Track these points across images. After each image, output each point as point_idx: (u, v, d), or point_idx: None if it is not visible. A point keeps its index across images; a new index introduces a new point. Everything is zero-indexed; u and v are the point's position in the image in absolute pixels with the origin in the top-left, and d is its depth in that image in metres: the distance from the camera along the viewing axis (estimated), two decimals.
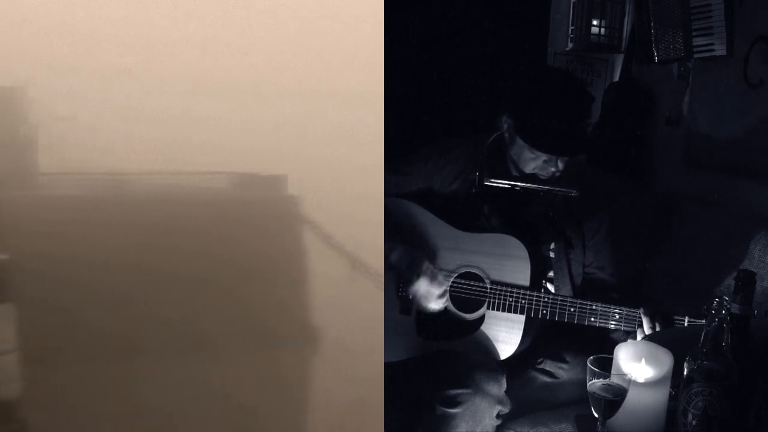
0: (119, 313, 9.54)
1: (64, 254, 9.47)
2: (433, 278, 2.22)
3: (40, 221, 9.73)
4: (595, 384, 1.64)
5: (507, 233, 2.21)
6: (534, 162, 2.19)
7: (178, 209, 10.68)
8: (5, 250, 6.72)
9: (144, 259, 9.85)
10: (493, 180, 2.23)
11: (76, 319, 9.24)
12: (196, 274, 10.01)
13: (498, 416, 2.10)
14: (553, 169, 2.19)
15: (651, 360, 1.71)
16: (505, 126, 2.24)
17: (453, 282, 2.24)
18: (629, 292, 2.36)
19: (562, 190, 2.21)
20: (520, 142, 2.19)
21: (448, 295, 2.25)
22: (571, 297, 2.19)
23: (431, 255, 2.26)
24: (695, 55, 2.71)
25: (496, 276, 2.21)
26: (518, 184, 2.21)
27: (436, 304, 2.24)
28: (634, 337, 2.08)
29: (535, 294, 2.18)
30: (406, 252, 2.25)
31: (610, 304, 2.14)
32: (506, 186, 2.22)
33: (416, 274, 2.22)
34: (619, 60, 3.22)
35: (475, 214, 2.29)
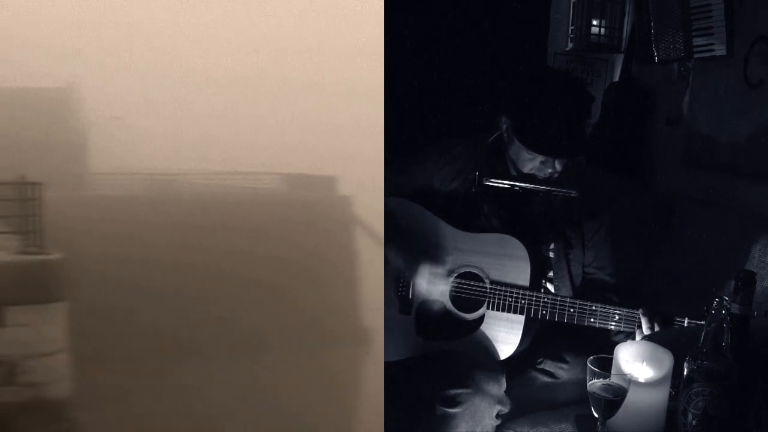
0: (171, 313, 9.56)
1: (115, 254, 9.50)
2: (436, 260, 2.22)
3: (91, 221, 9.77)
4: (595, 384, 1.64)
5: (507, 233, 2.21)
6: (531, 163, 2.19)
7: (231, 209, 10.73)
8: (59, 250, 6.71)
9: (195, 259, 9.88)
10: (492, 180, 2.22)
11: (128, 319, 9.26)
12: (248, 274, 10.03)
13: (498, 416, 2.10)
14: (550, 170, 2.19)
15: (651, 360, 1.71)
16: (504, 126, 2.24)
17: (453, 282, 2.24)
18: (628, 293, 2.36)
19: (562, 190, 2.21)
20: (517, 142, 2.19)
21: (447, 298, 2.24)
22: (571, 297, 2.19)
23: (431, 255, 2.26)
24: (695, 55, 2.71)
25: (496, 276, 2.21)
26: (517, 184, 2.21)
27: (443, 285, 2.23)
28: (634, 338, 2.08)
29: (535, 294, 2.18)
30: (405, 249, 2.25)
31: (609, 305, 2.14)
32: (506, 186, 2.22)
33: (417, 266, 2.21)
34: (619, 60, 3.21)
35: (475, 213, 2.28)
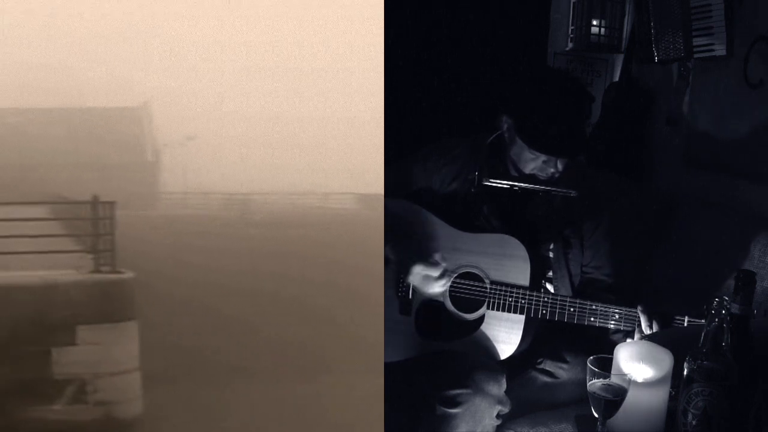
0: (236, 335, 9.54)
1: (184, 274, 9.50)
2: (429, 261, 2.21)
3: (163, 240, 9.76)
4: (595, 384, 1.64)
5: (506, 233, 2.21)
6: (533, 162, 2.19)
7: (301, 230, 10.72)
8: (131, 269, 6.74)
9: (264, 279, 9.86)
10: (492, 180, 2.22)
11: (193, 339, 9.25)
12: (314, 297, 10.00)
13: (498, 416, 2.10)
14: (552, 170, 2.19)
15: (651, 360, 1.71)
16: (505, 126, 2.24)
17: (453, 282, 2.24)
18: (628, 292, 2.36)
19: (562, 190, 2.21)
20: (519, 142, 2.19)
21: (448, 283, 2.23)
22: (571, 297, 2.19)
23: (431, 255, 2.25)
24: (695, 55, 2.71)
25: (496, 276, 2.21)
26: (517, 184, 2.21)
27: (437, 287, 2.23)
28: (633, 337, 2.08)
29: (535, 294, 2.18)
30: (404, 249, 2.25)
31: (609, 304, 2.14)
32: (505, 186, 2.22)
33: (411, 260, 2.21)
34: (619, 60, 3.22)
35: (475, 214, 2.28)
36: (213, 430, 7.78)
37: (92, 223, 6.94)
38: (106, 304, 6.28)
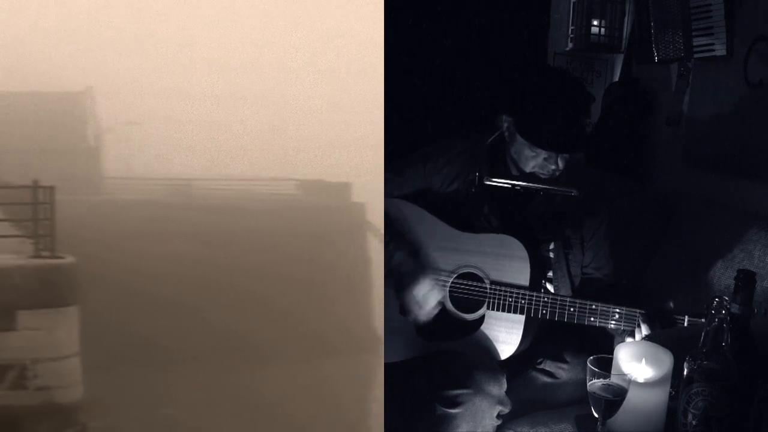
0: (178, 321, 9.52)
1: (126, 260, 9.45)
2: (429, 289, 2.21)
3: (104, 225, 9.72)
4: (595, 384, 1.64)
5: (506, 233, 2.21)
6: (534, 160, 2.19)
7: (243, 215, 10.69)
8: (71, 254, 6.71)
9: (207, 266, 9.82)
10: (493, 179, 2.22)
11: (136, 324, 9.22)
12: (256, 285, 9.97)
13: (498, 416, 2.10)
14: (553, 167, 2.19)
15: (651, 360, 1.71)
16: (505, 125, 2.24)
17: (453, 282, 2.24)
18: (628, 292, 2.36)
19: (562, 189, 2.21)
20: (520, 140, 2.19)
21: (446, 299, 2.24)
22: (571, 297, 2.19)
23: (431, 256, 2.26)
24: (695, 55, 2.71)
25: (496, 276, 2.21)
26: (518, 183, 2.21)
27: (427, 316, 2.23)
28: (634, 337, 2.08)
29: (535, 294, 2.18)
30: (405, 250, 2.24)
31: (609, 304, 2.14)
32: (506, 185, 2.22)
33: (413, 283, 2.21)
34: (619, 60, 3.22)
35: (475, 214, 2.28)
36: (153, 415, 7.79)
37: (32, 207, 6.93)
38: (47, 290, 6.28)
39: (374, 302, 11.42)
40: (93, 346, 6.90)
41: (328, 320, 10.30)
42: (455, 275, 2.24)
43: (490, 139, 2.31)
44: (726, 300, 1.55)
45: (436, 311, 2.22)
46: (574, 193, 2.20)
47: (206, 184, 11.88)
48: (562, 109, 2.14)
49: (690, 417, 1.57)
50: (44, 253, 6.69)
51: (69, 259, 6.62)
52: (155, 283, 9.42)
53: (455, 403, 2.05)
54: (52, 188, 7.11)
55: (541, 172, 2.20)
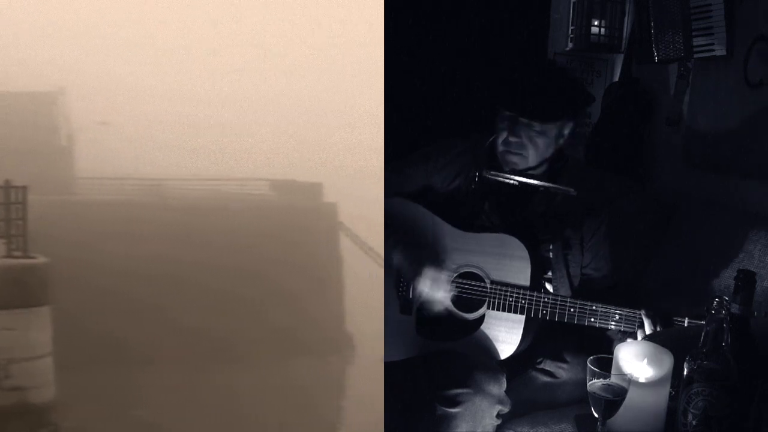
0: (150, 321, 9.51)
1: (98, 260, 9.43)
2: (437, 270, 2.21)
3: (76, 225, 9.70)
4: (595, 384, 1.64)
5: (507, 233, 2.21)
6: (501, 135, 2.20)
7: (213, 215, 10.69)
8: (44, 254, 6.70)
9: (180, 266, 9.82)
10: (493, 173, 2.22)
11: (110, 324, 9.21)
12: (228, 282, 9.98)
13: (498, 416, 2.11)
14: (517, 151, 2.19)
15: (651, 360, 1.71)
16: (505, 122, 2.24)
17: (453, 282, 2.24)
18: (628, 293, 2.36)
19: (560, 188, 2.21)
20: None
21: (447, 298, 2.24)
22: (571, 297, 2.19)
23: (432, 255, 2.26)
24: (695, 55, 2.71)
25: (497, 276, 2.21)
26: (518, 178, 2.21)
27: (442, 294, 2.23)
28: (634, 338, 2.08)
29: (535, 294, 2.18)
30: (406, 249, 2.25)
31: (609, 305, 2.14)
32: (506, 180, 2.22)
33: (420, 268, 2.21)
34: (619, 60, 3.22)
35: (476, 212, 2.28)
36: (125, 416, 7.80)
37: (4, 207, 6.91)
38: (19, 290, 6.27)
39: (346, 302, 11.46)
40: (66, 346, 6.91)
41: (300, 320, 10.31)
42: (456, 275, 2.24)
43: (491, 140, 2.31)
44: (726, 300, 1.55)
45: (449, 291, 2.22)
46: (572, 192, 2.20)
47: (179, 184, 11.88)
48: (538, 82, 2.16)
49: (690, 417, 1.57)
50: (16, 253, 6.68)
51: (41, 259, 6.61)
52: (128, 283, 9.42)
53: (455, 402, 2.05)
54: (24, 188, 7.11)
55: (507, 155, 2.20)
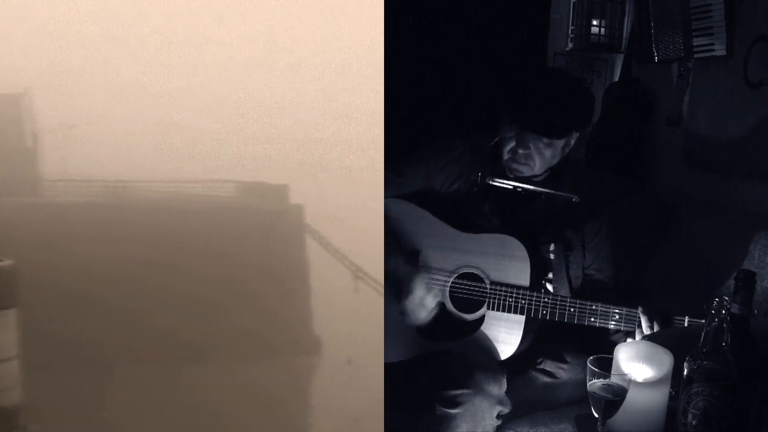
0: (116, 323, 9.50)
1: (64, 262, 9.42)
2: (426, 292, 2.20)
3: (42, 227, 9.67)
4: (595, 384, 1.64)
5: (507, 233, 2.21)
6: (508, 144, 2.16)
7: (180, 217, 10.66)
8: (9, 256, 6.68)
9: (145, 267, 9.80)
10: (496, 180, 2.21)
11: (73, 327, 9.20)
12: (195, 285, 9.97)
13: (498, 416, 2.10)
14: (525, 161, 2.15)
15: (651, 360, 1.71)
16: (506, 121, 2.24)
17: (453, 282, 2.24)
18: (628, 293, 2.36)
19: (563, 195, 2.20)
20: (504, 125, 2.18)
21: (447, 299, 2.24)
22: (571, 297, 2.19)
23: (431, 256, 2.26)
24: (695, 55, 2.71)
25: (496, 276, 2.21)
26: (521, 185, 2.20)
27: (426, 317, 2.22)
28: (634, 337, 2.08)
29: (535, 294, 2.18)
30: (404, 261, 2.24)
31: (609, 305, 2.14)
32: (508, 186, 2.21)
33: (411, 288, 2.20)
34: (619, 60, 3.22)
35: (475, 213, 2.28)
36: (92, 418, 7.81)
37: None
38: None
39: (312, 304, 11.45)
40: (33, 348, 6.91)
41: (265, 322, 10.31)
42: (455, 275, 2.24)
43: (493, 142, 2.31)
44: (726, 300, 1.55)
45: (434, 312, 2.22)
46: (575, 199, 2.18)
47: (145, 186, 11.85)
48: (550, 95, 2.13)
49: (690, 417, 1.57)
50: None
51: (7, 262, 6.60)
52: (94, 285, 9.41)
53: (455, 403, 2.05)
54: None
55: (513, 164, 2.18)
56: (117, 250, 9.71)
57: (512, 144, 2.16)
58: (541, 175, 2.21)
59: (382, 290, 2.31)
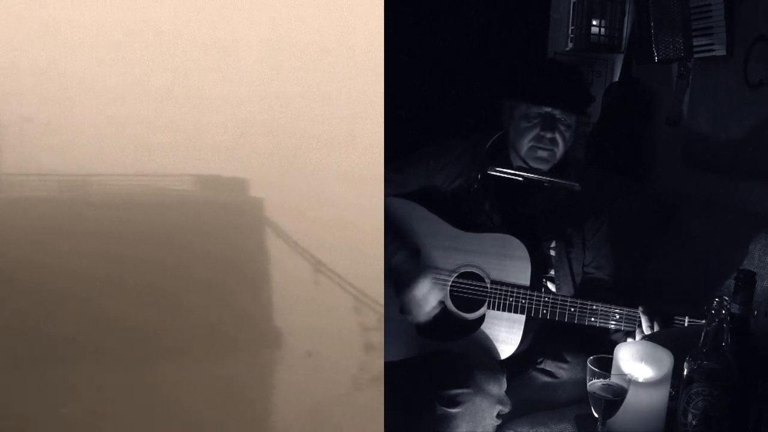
0: (78, 318, 9.49)
1: (24, 257, 9.41)
2: (429, 289, 2.21)
3: (0, 223, 9.67)
4: (595, 384, 1.64)
5: (508, 232, 2.21)
6: (530, 132, 2.17)
7: (140, 211, 10.65)
8: None
9: (105, 263, 9.80)
10: (497, 169, 2.21)
11: (35, 322, 9.21)
12: (158, 280, 9.95)
13: (498, 416, 2.10)
14: (549, 146, 2.17)
15: (651, 360, 1.71)
16: (507, 106, 2.24)
17: (453, 282, 2.24)
18: (628, 292, 2.36)
19: (565, 182, 2.20)
20: (517, 114, 2.19)
21: (447, 298, 2.24)
22: (572, 297, 2.19)
23: (432, 255, 2.26)
24: (695, 55, 2.71)
25: (497, 276, 2.21)
26: (521, 173, 2.21)
27: (427, 316, 2.23)
28: (634, 337, 2.08)
29: (536, 294, 2.18)
30: (405, 259, 2.24)
31: (610, 304, 2.14)
32: (509, 176, 2.21)
33: (413, 283, 2.21)
34: (619, 60, 3.22)
35: (476, 211, 2.28)
36: (54, 413, 7.80)
37: None
38: None
39: (274, 297, 11.41)
40: None
41: (228, 316, 10.30)
42: (456, 274, 2.24)
43: (492, 139, 2.31)
44: (726, 300, 1.55)
45: (436, 311, 2.22)
46: (577, 187, 2.19)
47: (103, 180, 11.83)
48: (562, 68, 2.18)
49: (690, 417, 1.57)
50: None
51: None
52: (54, 280, 9.38)
53: (455, 402, 2.05)
54: None
55: (538, 151, 2.19)
56: (75, 244, 9.68)
57: (535, 131, 2.17)
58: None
59: (381, 281, 2.31)
